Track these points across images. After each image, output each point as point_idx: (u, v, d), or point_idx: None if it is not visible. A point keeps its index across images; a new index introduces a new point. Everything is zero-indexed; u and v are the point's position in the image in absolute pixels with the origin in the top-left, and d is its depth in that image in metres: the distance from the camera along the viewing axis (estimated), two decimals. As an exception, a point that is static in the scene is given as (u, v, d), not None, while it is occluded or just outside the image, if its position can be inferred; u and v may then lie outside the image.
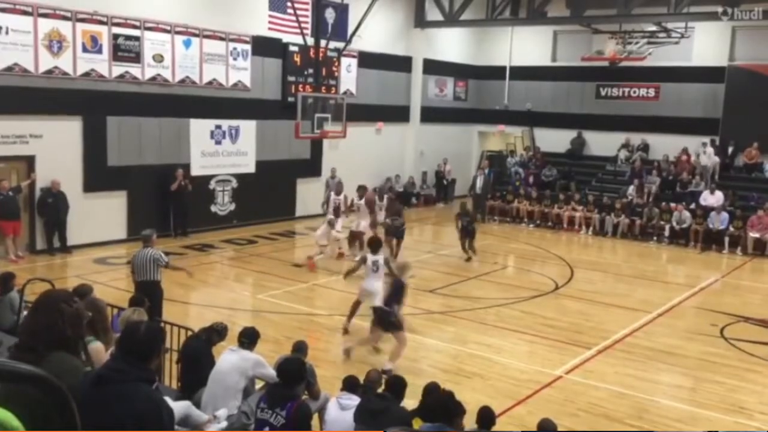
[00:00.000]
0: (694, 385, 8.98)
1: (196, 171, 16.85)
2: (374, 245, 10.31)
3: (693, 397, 8.55)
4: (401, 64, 22.83)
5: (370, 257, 10.09)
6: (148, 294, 8.52)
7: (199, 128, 16.93)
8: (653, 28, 20.68)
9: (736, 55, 21.68)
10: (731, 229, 17.96)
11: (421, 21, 22.85)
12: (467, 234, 15.29)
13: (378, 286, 9.79)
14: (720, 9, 18.20)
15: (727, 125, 21.26)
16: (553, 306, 12.25)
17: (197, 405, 6.02)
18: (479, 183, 21.16)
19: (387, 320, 8.87)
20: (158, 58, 15.82)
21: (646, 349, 10.05)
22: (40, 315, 3.18)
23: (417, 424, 5.37)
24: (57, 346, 2.97)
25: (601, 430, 7.33)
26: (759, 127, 20.19)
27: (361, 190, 15.35)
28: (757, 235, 17.52)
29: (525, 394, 8.28)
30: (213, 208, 17.60)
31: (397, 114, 23.05)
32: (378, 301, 9.41)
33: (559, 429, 5.74)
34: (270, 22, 18.09)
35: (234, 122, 17.69)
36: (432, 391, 5.65)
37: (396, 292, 8.94)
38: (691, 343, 10.46)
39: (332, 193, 15.30)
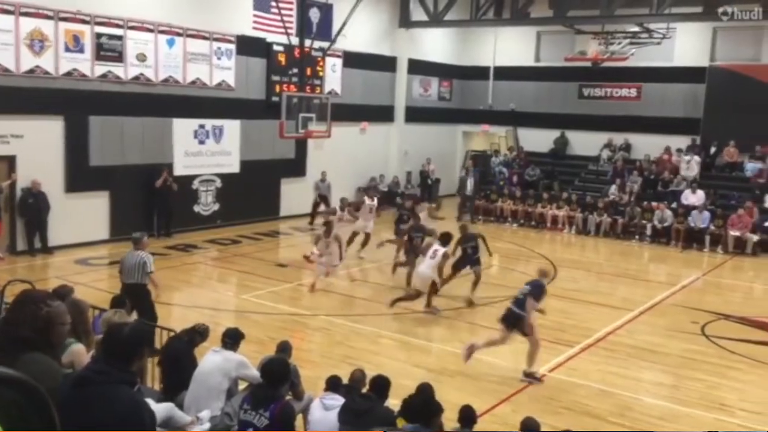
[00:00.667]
0: (676, 382, 9.06)
1: (179, 171, 16.76)
2: (446, 238, 11.50)
3: (674, 394, 8.63)
4: (386, 63, 22.84)
5: (435, 245, 11.26)
6: (135, 297, 8.51)
7: (183, 128, 16.84)
8: (635, 28, 20.84)
9: (716, 56, 21.91)
10: (712, 227, 18.15)
11: (405, 21, 22.87)
12: (469, 263, 12.26)
13: (428, 273, 10.96)
14: (700, 9, 18.44)
15: (708, 125, 21.47)
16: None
17: (180, 407, 5.99)
18: (470, 184, 21.28)
19: (517, 324, 8.80)
20: (141, 58, 15.73)
21: (628, 347, 10.13)
22: (8, 314, 3.17)
23: (401, 423, 5.38)
24: (23, 347, 2.95)
25: (585, 430, 7.38)
26: (739, 127, 20.42)
27: (363, 193, 15.64)
28: (737, 234, 17.71)
29: (509, 393, 8.32)
30: (196, 208, 17.52)
31: (382, 114, 23.06)
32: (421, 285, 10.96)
33: (542, 427, 5.77)
34: (254, 22, 18.05)
35: (218, 122, 17.62)
36: (420, 392, 5.66)
37: (534, 291, 8.79)
38: (673, 340, 10.56)
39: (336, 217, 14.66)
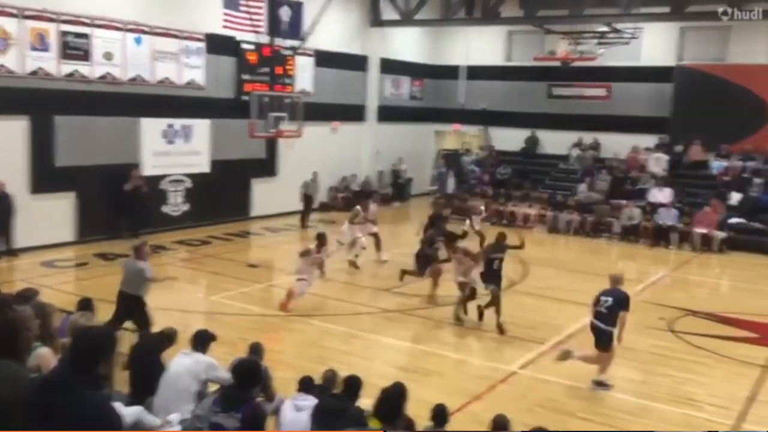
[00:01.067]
0: (644, 378, 9.18)
1: (147, 171, 16.54)
2: (450, 237, 11.54)
3: (643, 389, 8.74)
4: (357, 63, 22.81)
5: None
6: (129, 305, 8.47)
7: (151, 127, 16.62)
8: (604, 28, 21.07)
9: (683, 56, 22.24)
10: (679, 225, 18.44)
11: (376, 20, 22.87)
12: (490, 279, 10.64)
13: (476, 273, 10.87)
14: (667, 9, 18.69)
15: (675, 124, 21.79)
16: (508, 302, 12.31)
17: (149, 410, 5.92)
18: (451, 183, 21.39)
19: (604, 341, 8.60)
20: (108, 56, 15.51)
21: (597, 344, 10.22)
22: None
23: (373, 423, 5.38)
24: None
25: (556, 429, 7.43)
26: (706, 126, 20.75)
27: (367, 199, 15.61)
28: (703, 231, 18.00)
29: (480, 391, 8.37)
30: (165, 209, 17.29)
31: (354, 113, 23.03)
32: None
33: (513, 424, 5.80)
34: (224, 20, 17.87)
35: (187, 121, 17.41)
36: (383, 392, 5.64)
37: (620, 303, 8.56)
38: (641, 336, 10.65)
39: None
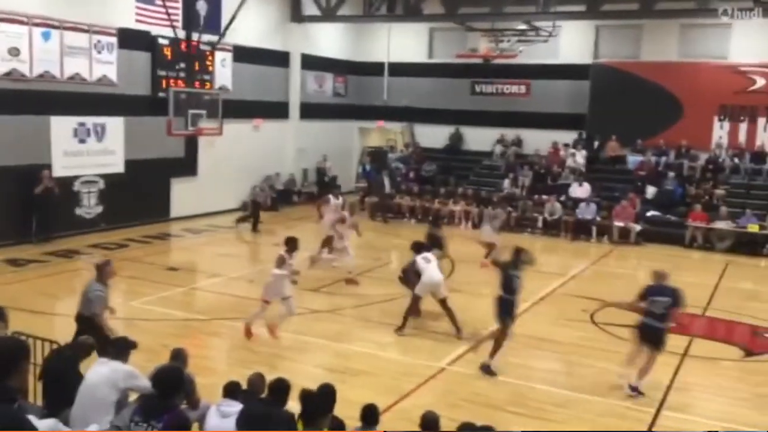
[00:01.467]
0: (568, 369, 9.37)
1: (58, 172, 15.77)
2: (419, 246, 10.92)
3: (568, 380, 8.91)
4: (278, 59, 22.48)
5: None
6: (86, 328, 7.96)
7: (61, 126, 15.86)
8: (524, 26, 21.49)
9: (599, 53, 22.94)
10: (598, 219, 19.03)
11: (297, 15, 22.60)
12: (506, 307, 9.03)
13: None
14: (583, 8, 19.20)
15: (593, 120, 22.44)
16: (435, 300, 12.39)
17: (66, 423, 5.61)
18: (388, 182, 21.48)
19: (659, 339, 8.37)
20: (14, 52, 14.71)
21: (522, 337, 10.32)
22: None
23: (300, 426, 5.25)
24: None
25: (483, 424, 7.46)
26: (621, 122, 21.48)
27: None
28: (621, 224, 18.65)
29: (410, 389, 8.34)
30: (78, 211, 16.53)
31: (276, 110, 22.69)
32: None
33: (441, 420, 5.76)
34: (137, 14, 17.22)
35: (99, 119, 16.69)
36: (305, 393, 5.50)
37: (677, 303, 8.32)
38: (564, 328, 10.92)
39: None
